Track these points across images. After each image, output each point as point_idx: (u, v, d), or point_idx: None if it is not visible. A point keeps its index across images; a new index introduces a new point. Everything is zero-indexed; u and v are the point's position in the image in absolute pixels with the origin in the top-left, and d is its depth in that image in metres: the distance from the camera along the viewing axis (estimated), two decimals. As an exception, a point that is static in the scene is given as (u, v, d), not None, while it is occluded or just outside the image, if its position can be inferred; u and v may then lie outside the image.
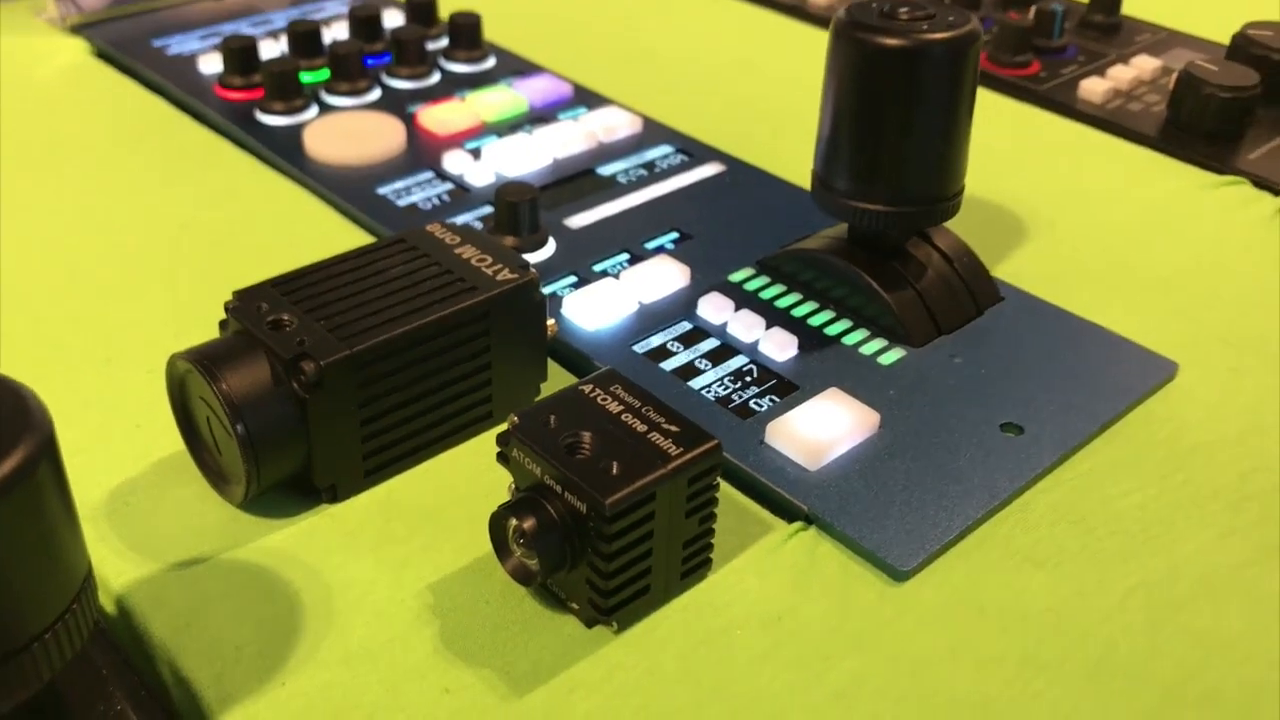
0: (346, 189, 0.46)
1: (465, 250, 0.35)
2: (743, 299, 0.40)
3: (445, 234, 0.36)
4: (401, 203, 0.45)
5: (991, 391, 0.37)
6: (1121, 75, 0.56)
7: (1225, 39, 0.57)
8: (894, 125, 0.36)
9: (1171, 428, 0.36)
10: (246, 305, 0.32)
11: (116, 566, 0.30)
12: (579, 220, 0.45)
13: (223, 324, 0.33)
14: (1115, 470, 0.34)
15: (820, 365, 0.37)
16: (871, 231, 0.39)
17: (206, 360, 0.30)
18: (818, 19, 0.64)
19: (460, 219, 0.44)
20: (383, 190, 0.46)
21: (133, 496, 0.32)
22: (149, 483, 0.33)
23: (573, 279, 0.41)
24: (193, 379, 0.31)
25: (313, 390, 0.30)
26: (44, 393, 0.23)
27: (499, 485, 0.30)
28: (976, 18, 0.37)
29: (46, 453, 0.22)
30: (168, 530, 0.31)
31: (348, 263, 0.34)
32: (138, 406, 0.35)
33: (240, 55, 0.53)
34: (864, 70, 0.36)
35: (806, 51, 0.60)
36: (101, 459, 0.33)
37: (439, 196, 0.46)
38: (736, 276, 0.41)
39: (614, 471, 0.27)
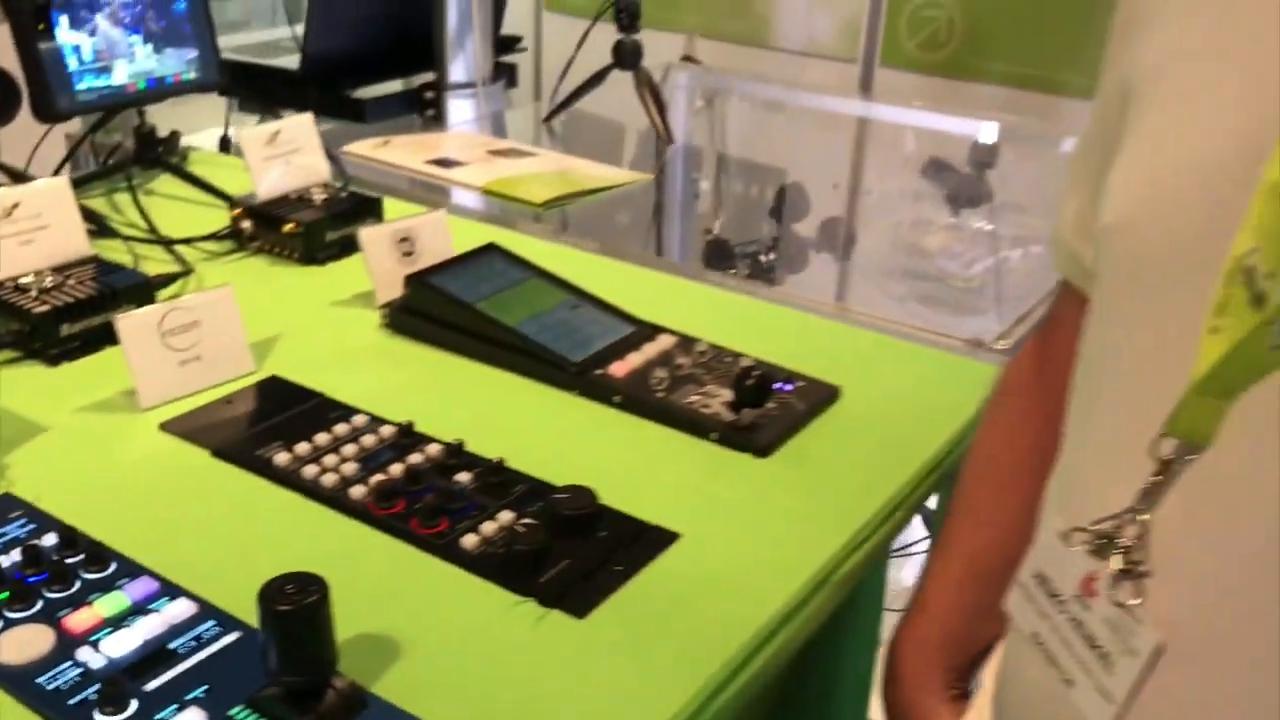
0: (23, 686, 0.82)
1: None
2: (234, 729, 0.79)
3: (65, 733, 0.73)
4: (50, 688, 0.82)
5: (345, 768, 0.76)
6: (487, 528, 0.99)
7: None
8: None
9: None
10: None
11: None
12: (151, 685, 0.82)
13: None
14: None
15: (265, 765, 0.76)
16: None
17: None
18: (382, 523, 1.04)
19: (86, 693, 0.81)
20: (40, 680, 0.82)
21: None
22: None
23: (147, 728, 0.79)
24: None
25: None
26: None
27: None
28: (326, 583, 0.78)
29: None
30: None
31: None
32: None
33: (-49, 590, 0.89)
34: (283, 621, 0.77)
35: (331, 537, 1.01)
36: None
37: (74, 679, 0.83)
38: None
39: None
